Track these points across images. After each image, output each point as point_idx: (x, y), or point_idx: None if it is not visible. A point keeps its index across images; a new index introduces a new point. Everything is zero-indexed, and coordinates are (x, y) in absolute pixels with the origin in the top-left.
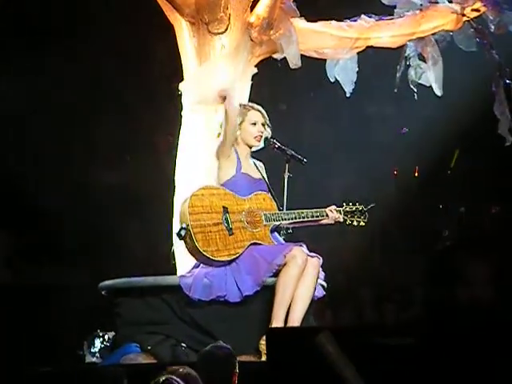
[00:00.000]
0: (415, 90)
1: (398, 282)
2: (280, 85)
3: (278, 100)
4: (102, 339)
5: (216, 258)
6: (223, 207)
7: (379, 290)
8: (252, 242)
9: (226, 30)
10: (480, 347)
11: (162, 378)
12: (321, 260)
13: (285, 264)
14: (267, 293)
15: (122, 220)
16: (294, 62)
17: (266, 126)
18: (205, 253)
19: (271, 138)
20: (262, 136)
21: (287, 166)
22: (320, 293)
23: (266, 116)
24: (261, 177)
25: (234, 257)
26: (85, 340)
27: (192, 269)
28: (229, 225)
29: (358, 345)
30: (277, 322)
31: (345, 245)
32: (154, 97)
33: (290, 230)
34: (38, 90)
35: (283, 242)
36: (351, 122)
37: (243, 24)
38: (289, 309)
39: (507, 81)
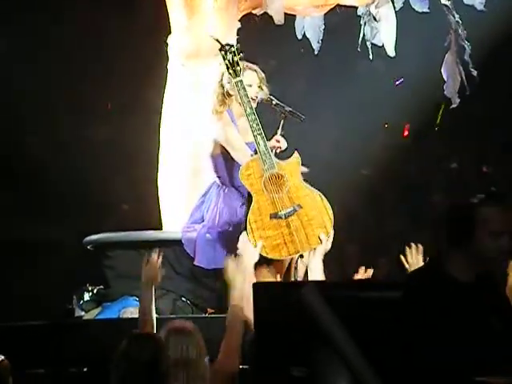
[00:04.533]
0: (370, 49)
1: (384, 239)
2: (269, 40)
3: (268, 56)
4: (91, 293)
5: None
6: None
7: (366, 247)
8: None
9: None
10: (462, 302)
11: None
12: None
13: None
14: None
15: (109, 176)
16: (278, 18)
17: (262, 87)
18: None
19: (269, 95)
20: (256, 98)
21: (282, 122)
22: None
23: (263, 76)
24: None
25: None
26: (74, 294)
27: (192, 223)
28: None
29: (341, 298)
30: None
31: (332, 200)
32: (141, 51)
33: None
34: (24, 49)
35: None
36: (341, 78)
37: None
38: None
39: (465, 42)
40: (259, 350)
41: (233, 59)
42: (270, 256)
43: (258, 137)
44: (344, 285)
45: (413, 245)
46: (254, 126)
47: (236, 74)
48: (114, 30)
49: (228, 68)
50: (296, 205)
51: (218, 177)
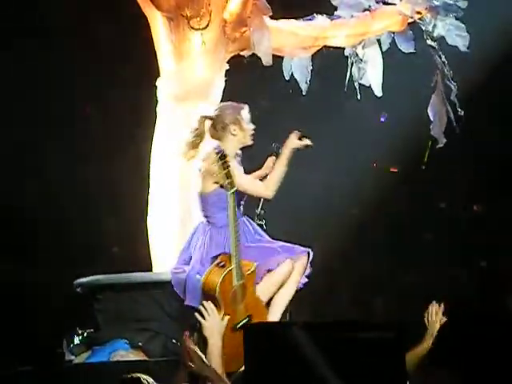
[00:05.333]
0: (358, 90)
1: (375, 278)
2: (258, 81)
3: (257, 96)
4: (81, 337)
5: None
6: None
7: (357, 286)
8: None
9: (207, 26)
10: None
11: (129, 376)
12: (310, 255)
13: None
14: None
15: (98, 217)
16: (266, 60)
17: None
18: None
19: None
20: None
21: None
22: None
23: None
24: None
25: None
26: (64, 338)
27: (181, 264)
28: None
29: (329, 339)
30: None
31: (325, 241)
32: (133, 93)
33: (263, 224)
34: (16, 87)
35: (268, 238)
36: (329, 118)
37: (221, 20)
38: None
39: (452, 82)
40: None
41: (229, 170)
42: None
43: (236, 249)
44: (334, 325)
45: (434, 303)
46: (234, 238)
47: (232, 185)
48: (107, 71)
49: (227, 178)
50: (248, 315)
51: (206, 216)
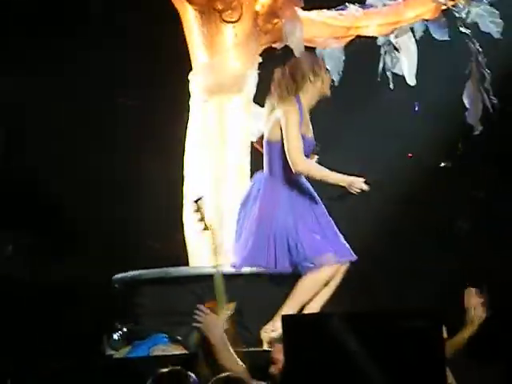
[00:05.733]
0: (391, 79)
1: (408, 267)
2: None
3: None
4: (120, 332)
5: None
6: None
7: (394, 279)
8: None
9: (239, 18)
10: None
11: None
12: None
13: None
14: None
15: (133, 213)
16: (298, 51)
17: None
18: None
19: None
20: None
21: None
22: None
23: None
24: (312, 134)
25: None
26: (104, 333)
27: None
28: None
29: (369, 329)
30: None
31: (356, 229)
32: (165, 87)
33: None
34: (50, 85)
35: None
36: (362, 108)
37: (253, 13)
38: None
39: (485, 69)
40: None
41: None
42: None
43: (222, 296)
44: (372, 315)
45: (470, 289)
46: (219, 287)
47: (210, 228)
48: (139, 66)
49: (207, 228)
50: None
51: (268, 164)
